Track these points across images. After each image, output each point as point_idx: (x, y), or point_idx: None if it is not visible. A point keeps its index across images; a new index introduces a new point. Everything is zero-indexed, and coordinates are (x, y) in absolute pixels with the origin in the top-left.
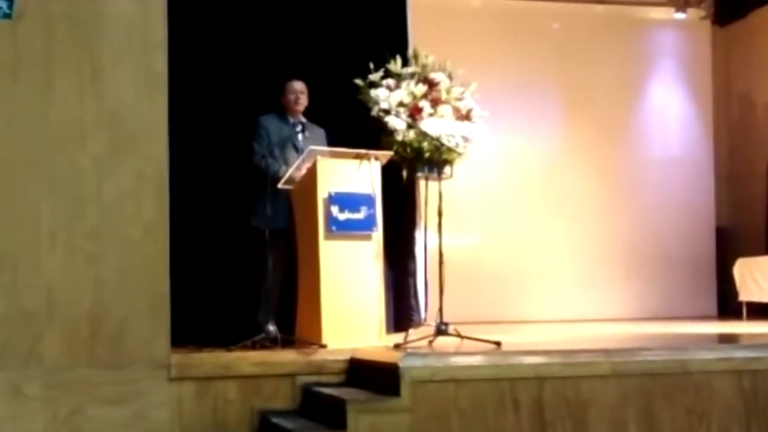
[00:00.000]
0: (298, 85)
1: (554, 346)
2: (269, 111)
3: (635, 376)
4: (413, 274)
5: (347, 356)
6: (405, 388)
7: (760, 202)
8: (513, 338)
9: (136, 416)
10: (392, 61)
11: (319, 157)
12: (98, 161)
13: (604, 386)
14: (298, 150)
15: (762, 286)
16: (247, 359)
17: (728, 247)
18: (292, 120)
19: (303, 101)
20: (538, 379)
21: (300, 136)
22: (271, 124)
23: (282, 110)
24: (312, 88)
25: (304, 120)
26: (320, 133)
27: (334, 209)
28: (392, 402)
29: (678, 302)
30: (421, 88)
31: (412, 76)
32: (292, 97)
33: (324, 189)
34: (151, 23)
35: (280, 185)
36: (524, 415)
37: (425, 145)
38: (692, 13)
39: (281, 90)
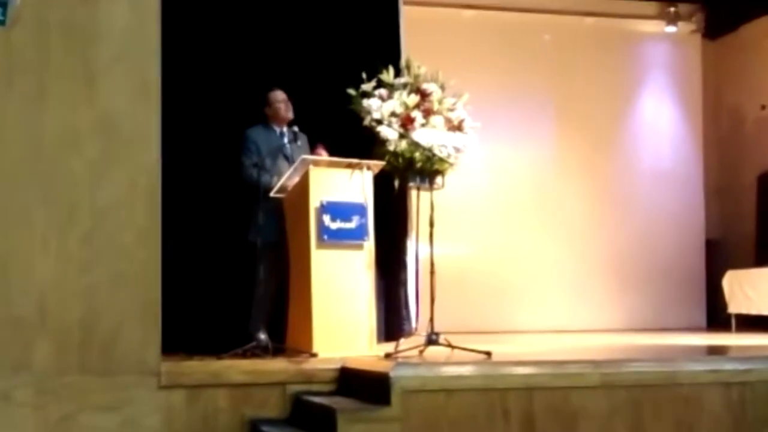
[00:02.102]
0: (282, 94)
1: (544, 357)
2: (258, 122)
3: (624, 387)
4: (404, 284)
5: (338, 365)
6: (395, 398)
7: (750, 214)
8: (503, 348)
9: (127, 423)
10: (385, 72)
11: (311, 167)
12: (91, 168)
13: (594, 397)
14: (288, 160)
15: (751, 298)
16: (237, 367)
17: (718, 259)
18: (278, 130)
19: (291, 108)
20: (528, 390)
21: (290, 146)
22: (258, 136)
23: (266, 121)
24: (305, 98)
25: (295, 129)
26: (305, 139)
27: (326, 218)
28: (382, 411)
29: (668, 314)
30: (414, 99)
31: (404, 86)
32: (282, 106)
33: (316, 198)
34: (145, 31)
35: (272, 194)
36: (514, 425)
37: (417, 155)
38: (683, 27)
39: (264, 101)
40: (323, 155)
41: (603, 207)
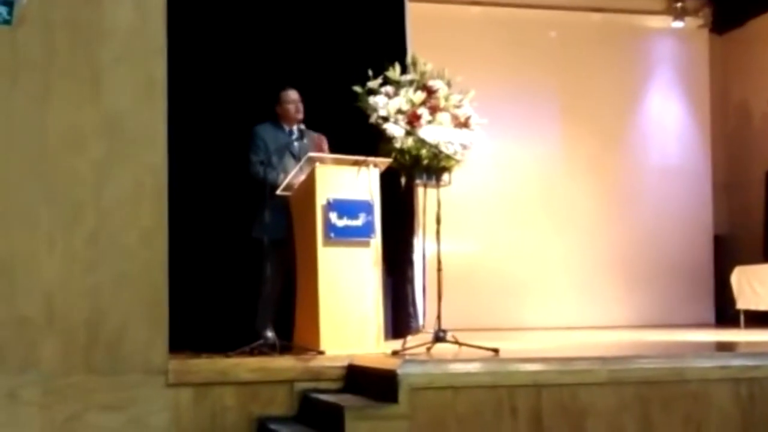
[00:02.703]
0: (295, 95)
1: (552, 354)
2: (265, 120)
3: (633, 383)
4: (411, 281)
5: (345, 363)
6: (403, 395)
7: (758, 210)
8: (511, 345)
9: (134, 422)
10: (391, 69)
11: (317, 164)
12: (97, 167)
13: (602, 394)
14: (295, 157)
15: (760, 294)
16: (245, 365)
17: (726, 255)
18: (287, 128)
19: (302, 109)
20: (536, 387)
21: (297, 144)
22: (267, 133)
23: (276, 119)
24: (311, 96)
25: (302, 127)
26: (316, 138)
27: (333, 216)
28: (390, 409)
29: (676, 310)
30: (420, 96)
31: (410, 83)
32: (292, 107)
33: (323, 195)
34: (151, 30)
35: (278, 192)
36: (522, 422)
37: (423, 152)
38: (690, 22)
39: (276, 99)
40: (324, 146)
41: (610, 203)
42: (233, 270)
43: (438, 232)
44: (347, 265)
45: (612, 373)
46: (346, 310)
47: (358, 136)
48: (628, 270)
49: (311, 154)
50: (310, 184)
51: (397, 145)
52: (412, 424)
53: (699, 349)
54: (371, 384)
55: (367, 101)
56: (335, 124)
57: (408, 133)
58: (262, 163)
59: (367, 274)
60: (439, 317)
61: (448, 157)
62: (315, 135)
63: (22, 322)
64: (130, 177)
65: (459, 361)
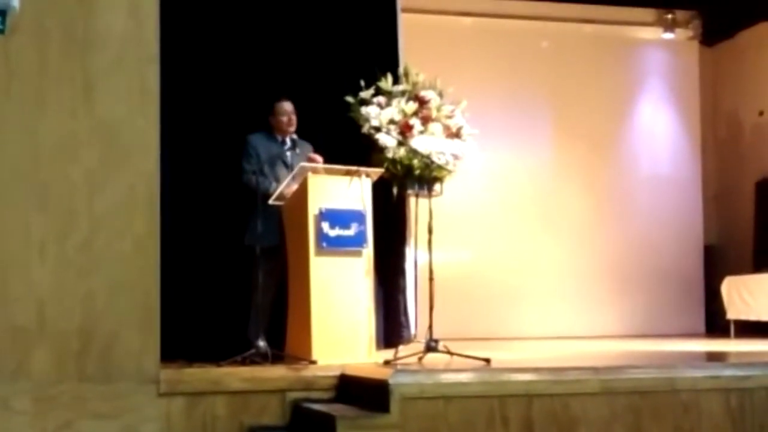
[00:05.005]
0: (289, 106)
1: (543, 364)
2: (259, 129)
3: (624, 393)
4: (403, 291)
5: (337, 372)
6: (394, 405)
7: (748, 220)
8: (502, 355)
9: (126, 431)
10: (383, 79)
11: (309, 174)
12: (90, 175)
13: (593, 404)
14: (287, 166)
15: (749, 304)
16: (236, 375)
17: (716, 265)
18: (280, 138)
19: (294, 121)
20: (528, 397)
21: (289, 153)
22: (260, 142)
23: (270, 129)
24: (303, 106)
25: (294, 137)
26: (308, 148)
27: (325, 225)
28: (382, 418)
29: (666, 320)
30: (412, 106)
31: (402, 93)
32: (284, 118)
33: (315, 205)
34: (144, 38)
35: (270, 201)
36: None
37: (415, 162)
38: (680, 34)
39: (270, 110)
40: (318, 161)
41: (601, 213)
42: (225, 278)
43: (430, 241)
44: (339, 274)
45: (603, 383)
46: (338, 320)
47: (350, 146)
48: (619, 279)
49: (303, 163)
50: (302, 194)
51: (389, 155)
52: None
53: (690, 359)
54: (363, 394)
55: (359, 111)
56: (328, 134)
57: (400, 144)
58: (254, 172)
59: (359, 283)
60: (430, 327)
61: (440, 167)
62: (309, 147)
63: (14, 330)
64: (123, 185)
65: (450, 371)
